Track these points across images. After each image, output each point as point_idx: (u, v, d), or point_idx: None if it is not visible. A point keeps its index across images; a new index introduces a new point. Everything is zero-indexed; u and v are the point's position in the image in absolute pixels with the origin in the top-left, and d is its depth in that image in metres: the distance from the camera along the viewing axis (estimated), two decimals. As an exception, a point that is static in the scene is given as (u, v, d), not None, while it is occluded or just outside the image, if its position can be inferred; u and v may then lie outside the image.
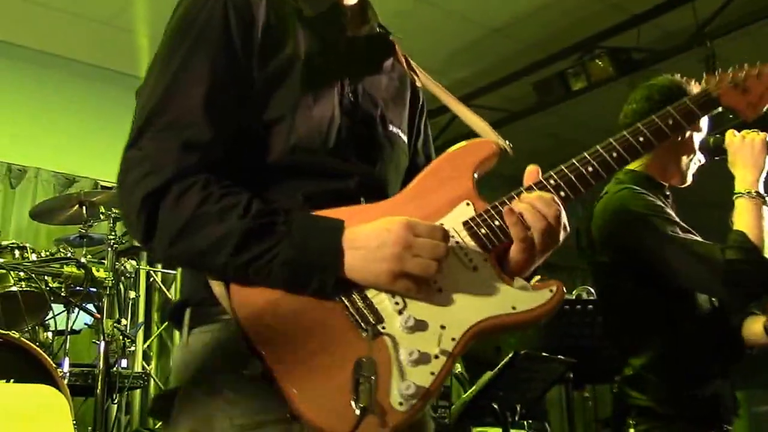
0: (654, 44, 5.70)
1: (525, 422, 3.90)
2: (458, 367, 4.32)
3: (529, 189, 1.31)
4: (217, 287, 1.21)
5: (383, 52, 1.54)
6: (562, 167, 1.34)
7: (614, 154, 1.37)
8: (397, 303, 1.20)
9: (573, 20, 5.71)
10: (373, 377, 1.10)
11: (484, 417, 3.38)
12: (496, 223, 1.27)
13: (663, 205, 2.28)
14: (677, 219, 2.24)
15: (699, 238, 2.19)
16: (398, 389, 1.14)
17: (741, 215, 2.14)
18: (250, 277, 1.18)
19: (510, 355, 3.05)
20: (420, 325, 1.19)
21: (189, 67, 1.27)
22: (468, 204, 1.30)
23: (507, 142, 1.39)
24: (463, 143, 1.37)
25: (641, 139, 1.40)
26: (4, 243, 3.80)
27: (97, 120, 5.92)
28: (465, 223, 1.28)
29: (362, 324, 1.18)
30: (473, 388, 3.25)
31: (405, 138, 1.50)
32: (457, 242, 1.27)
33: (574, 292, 3.37)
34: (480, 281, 1.25)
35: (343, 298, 1.19)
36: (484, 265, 1.26)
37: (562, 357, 3.18)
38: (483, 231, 1.27)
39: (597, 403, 6.31)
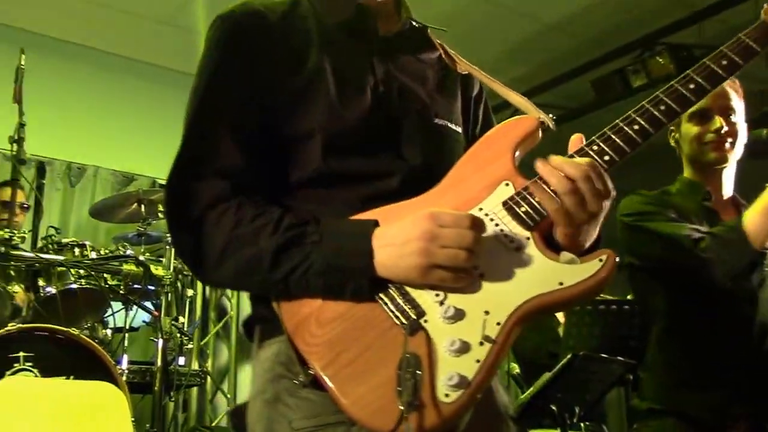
0: (716, 40, 5.46)
1: (583, 424, 3.83)
2: (515, 368, 4.25)
3: (571, 158, 1.23)
4: (273, 302, 1.23)
5: (421, 46, 1.50)
6: (606, 130, 1.26)
7: (662, 107, 1.28)
8: (437, 294, 1.17)
9: (632, 16, 5.59)
10: (417, 372, 1.09)
11: (542, 419, 3.31)
12: (536, 198, 1.21)
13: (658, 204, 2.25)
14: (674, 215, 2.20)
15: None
16: (442, 381, 1.11)
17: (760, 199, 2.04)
18: (291, 291, 1.20)
19: (569, 357, 2.98)
20: (461, 314, 1.15)
21: (211, 101, 1.32)
22: (507, 184, 1.25)
23: (550, 116, 1.34)
24: (500, 125, 1.34)
25: (692, 86, 1.29)
26: (65, 241, 3.86)
27: (155, 119, 5.98)
28: (504, 204, 1.23)
29: (402, 320, 1.16)
30: (530, 389, 3.20)
31: (457, 128, 1.45)
32: (497, 224, 1.22)
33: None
34: (523, 261, 1.19)
35: (382, 296, 1.18)
36: (526, 244, 1.20)
37: (621, 359, 3.12)
38: (523, 209, 1.22)
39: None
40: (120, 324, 4.17)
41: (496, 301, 1.16)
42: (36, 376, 2.94)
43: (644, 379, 2.31)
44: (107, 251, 3.82)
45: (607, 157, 1.23)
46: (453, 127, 1.44)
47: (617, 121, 1.27)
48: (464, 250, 1.14)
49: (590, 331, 3.34)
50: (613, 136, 1.25)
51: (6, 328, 3.02)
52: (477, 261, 1.16)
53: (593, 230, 1.24)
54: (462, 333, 1.14)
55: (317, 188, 1.30)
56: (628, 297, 3.26)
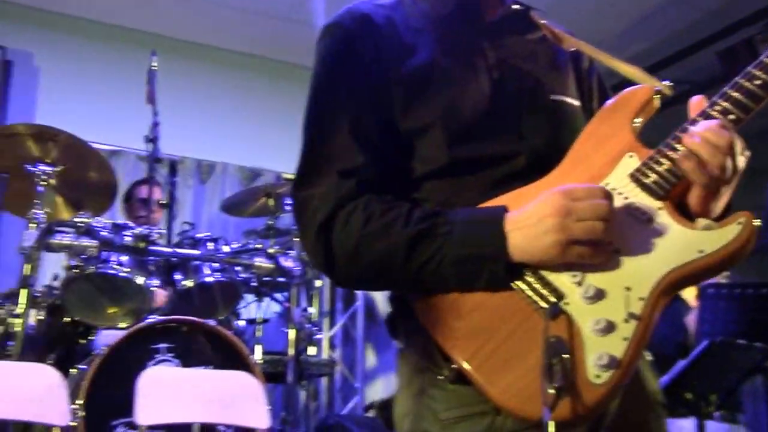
0: None
1: (719, 413, 3.68)
2: (647, 356, 4.10)
3: (693, 122, 1.19)
4: (410, 299, 1.25)
5: (526, 26, 1.48)
6: (726, 89, 1.21)
7: None
8: (574, 275, 1.15)
9: (759, -19, 5.27)
10: (565, 356, 1.08)
11: (677, 407, 3.20)
12: (664, 167, 1.18)
13: None
14: None
15: None
16: (592, 362, 1.09)
17: None
18: (427, 284, 1.20)
19: (705, 343, 2.93)
20: (602, 293, 1.13)
21: (328, 107, 1.34)
22: (631, 156, 1.22)
23: (666, 82, 1.28)
24: (614, 97, 1.31)
25: None
26: (198, 236, 3.98)
27: (279, 114, 6.09)
28: (631, 176, 1.20)
29: (542, 304, 1.15)
30: (665, 376, 3.09)
31: (574, 101, 1.43)
32: (626, 197, 1.19)
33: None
34: (657, 232, 1.16)
35: (518, 283, 1.17)
36: (659, 215, 1.17)
37: (760, 344, 2.97)
38: (651, 179, 1.19)
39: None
40: (253, 315, 4.28)
41: (637, 276, 1.13)
42: (177, 365, 3.05)
43: None
44: (239, 245, 3.91)
45: (732, 116, 1.18)
46: (570, 101, 1.43)
47: (736, 78, 1.21)
48: (600, 221, 1.12)
49: (726, 317, 3.27)
50: (735, 94, 1.20)
51: (147, 321, 3.14)
52: (611, 235, 1.13)
53: (726, 194, 1.19)
54: (605, 312, 1.12)
55: (444, 178, 1.30)
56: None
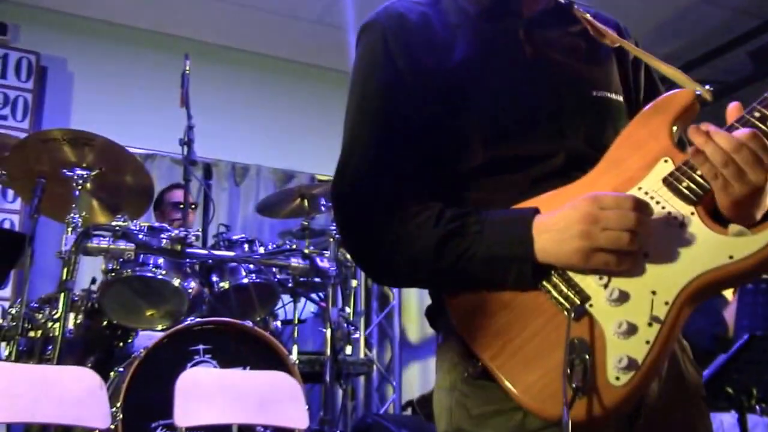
0: None
1: (761, 406, 3.64)
2: (688, 349, 4.05)
3: (731, 128, 1.17)
4: (444, 296, 1.27)
5: (567, 20, 1.46)
6: (766, 95, 1.19)
7: None
8: (600, 278, 1.15)
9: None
10: (586, 356, 1.09)
11: (718, 401, 3.16)
12: (698, 172, 1.17)
13: None
14: None
15: None
16: (612, 364, 1.09)
17: None
18: (456, 282, 1.23)
19: (746, 337, 2.92)
20: (627, 296, 1.13)
21: (367, 106, 1.35)
22: (666, 161, 1.22)
23: (707, 87, 1.27)
24: (654, 101, 1.29)
25: None
26: (235, 237, 3.99)
27: (310, 116, 6.11)
28: (664, 180, 1.20)
29: (567, 305, 1.15)
30: (705, 371, 3.06)
31: (618, 97, 1.42)
32: (658, 202, 1.19)
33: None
34: (688, 237, 1.15)
35: (545, 284, 1.18)
36: (691, 220, 1.16)
37: (802, 331, 2.94)
38: (684, 184, 1.18)
39: None
40: (289, 316, 4.28)
41: (663, 281, 1.13)
42: (215, 367, 3.05)
43: None
44: (274, 246, 3.91)
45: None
46: (613, 96, 1.41)
47: None
48: (627, 231, 1.12)
49: (766, 311, 3.26)
50: None
51: (185, 323, 3.15)
52: (641, 243, 1.13)
53: (762, 200, 1.16)
54: (629, 315, 1.12)
55: (483, 176, 1.31)
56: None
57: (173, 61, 4.36)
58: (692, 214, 1.17)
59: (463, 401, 1.23)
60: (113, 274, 3.34)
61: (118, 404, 2.79)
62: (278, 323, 4.18)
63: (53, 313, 3.04)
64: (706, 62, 6.05)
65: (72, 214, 3.26)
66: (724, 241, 1.13)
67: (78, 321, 3.35)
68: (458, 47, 1.36)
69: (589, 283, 1.16)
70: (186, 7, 5.57)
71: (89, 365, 3.39)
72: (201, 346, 3.05)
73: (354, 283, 4.85)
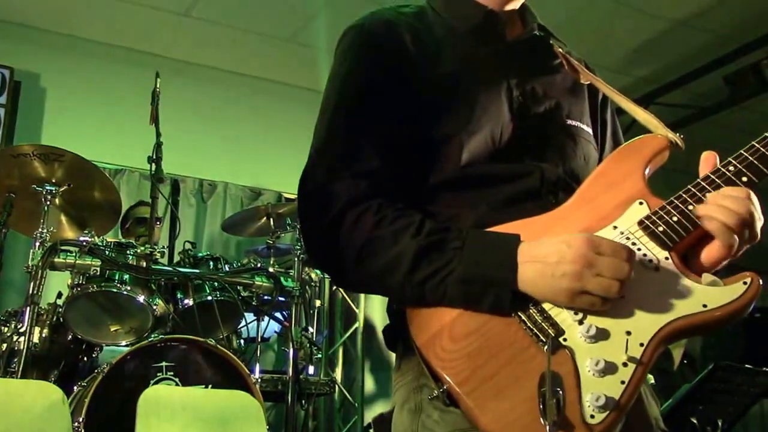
0: None
1: None
2: (650, 379, 4.12)
3: (707, 179, 1.22)
4: (407, 312, 1.23)
5: (548, 52, 1.51)
6: (742, 151, 1.23)
7: None
8: (576, 314, 1.16)
9: (766, 6, 5.30)
10: (560, 391, 1.08)
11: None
12: (674, 219, 1.20)
13: None
14: None
15: None
16: (588, 401, 1.09)
17: None
18: (427, 297, 1.19)
19: (710, 367, 2.90)
20: (603, 334, 1.14)
21: (347, 104, 1.34)
22: (641, 203, 1.24)
23: (678, 135, 1.31)
24: (629, 142, 1.32)
25: None
26: (200, 255, 4.03)
27: (279, 134, 6.15)
28: (640, 222, 1.22)
29: (542, 337, 1.15)
30: (669, 401, 3.09)
31: (588, 129, 1.46)
32: (633, 243, 1.20)
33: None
34: (663, 281, 1.18)
35: (519, 314, 1.17)
36: (665, 264, 1.19)
37: (767, 369, 2.97)
38: (661, 228, 1.20)
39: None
40: (253, 334, 4.31)
41: (639, 322, 1.15)
42: (177, 384, 3.08)
43: None
44: (239, 264, 3.95)
45: (745, 179, 1.22)
46: (584, 127, 1.45)
47: (753, 142, 1.25)
48: (618, 281, 1.12)
49: (733, 342, 3.26)
50: (750, 157, 1.23)
51: (149, 339, 3.18)
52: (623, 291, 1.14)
53: (738, 254, 1.22)
54: (605, 353, 1.13)
55: (457, 191, 1.31)
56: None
57: (144, 78, 4.40)
58: (666, 258, 1.19)
59: (430, 425, 1.21)
60: (79, 289, 3.36)
61: (81, 419, 2.81)
62: (242, 341, 4.21)
63: (19, 326, 3.05)
64: (681, 85, 6.09)
65: (40, 229, 3.29)
66: (699, 289, 1.16)
67: (43, 335, 3.36)
68: (442, 60, 1.37)
69: (564, 317, 1.16)
70: (158, 24, 5.60)
71: (53, 379, 3.40)
72: (164, 363, 3.08)
73: (318, 302, 4.89)
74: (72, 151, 3.50)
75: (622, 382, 1.10)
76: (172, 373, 3.09)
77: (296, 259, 4.08)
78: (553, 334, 1.15)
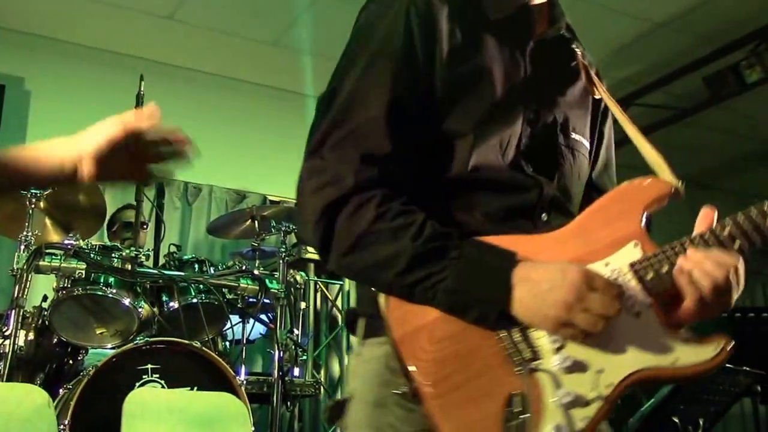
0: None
1: None
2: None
3: (701, 237, 1.20)
4: (382, 300, 1.22)
5: (569, 55, 1.48)
6: (741, 215, 1.19)
7: None
8: (555, 341, 1.17)
9: (747, 8, 5.32)
10: (525, 415, 1.10)
11: None
12: (665, 269, 1.19)
13: None
14: None
15: None
16: (548, 429, 1.11)
17: None
18: (415, 297, 1.19)
19: None
20: (577, 367, 1.16)
21: (370, 78, 1.27)
22: (636, 245, 1.23)
23: (681, 183, 1.28)
24: (634, 181, 1.29)
25: None
26: (185, 257, 4.03)
27: (264, 137, 6.16)
28: (632, 265, 1.21)
29: (516, 358, 1.16)
30: (651, 401, 3.12)
31: (587, 143, 1.45)
32: (620, 284, 1.20)
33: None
34: (642, 328, 1.19)
35: (501, 330, 1.18)
36: (647, 312, 1.19)
37: (748, 368, 3.00)
38: (650, 276, 1.20)
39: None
40: (238, 337, 4.32)
41: (611, 362, 1.16)
42: (162, 387, 3.08)
43: None
44: (225, 267, 3.96)
45: (737, 244, 1.19)
46: (584, 142, 1.44)
47: (753, 207, 1.20)
48: (604, 318, 1.13)
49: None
50: (746, 225, 1.19)
51: (134, 342, 3.19)
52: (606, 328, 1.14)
53: (713, 316, 1.22)
54: (574, 386, 1.15)
55: (458, 191, 1.29)
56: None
57: (129, 81, 4.40)
58: (649, 306, 1.19)
59: (394, 423, 1.21)
60: (64, 292, 3.36)
61: (66, 422, 2.81)
62: (227, 344, 4.22)
63: (4, 330, 3.06)
64: (661, 87, 6.12)
65: (25, 232, 3.29)
66: (673, 344, 1.18)
67: (29, 338, 3.37)
68: (472, 52, 1.33)
69: (543, 343, 1.17)
70: (142, 27, 5.60)
71: (39, 382, 3.40)
72: (149, 366, 3.08)
73: (303, 305, 4.91)
74: (57, 154, 3.49)
75: (586, 417, 1.13)
76: (157, 376, 3.10)
77: (281, 261, 4.09)
78: (528, 357, 1.16)
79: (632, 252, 1.22)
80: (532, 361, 1.16)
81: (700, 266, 1.16)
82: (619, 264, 1.22)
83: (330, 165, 1.23)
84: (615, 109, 1.46)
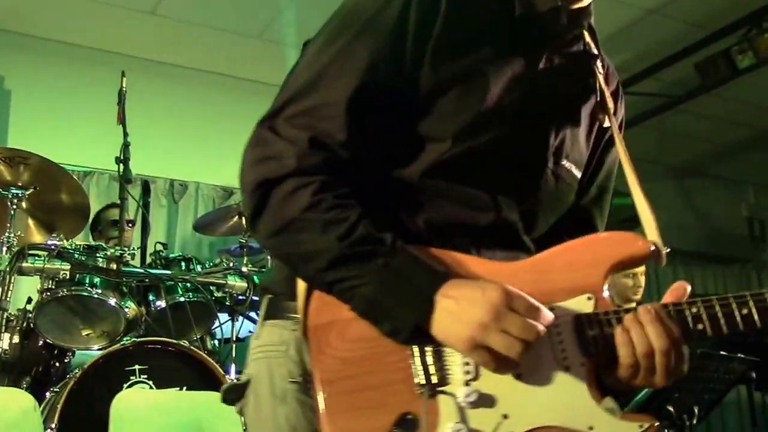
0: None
1: (702, 425, 3.70)
2: None
3: (665, 307, 1.12)
4: (301, 284, 1.18)
5: (588, 73, 1.36)
6: (714, 299, 1.10)
7: None
8: (468, 372, 1.11)
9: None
10: None
11: (659, 420, 3.21)
12: (609, 331, 1.11)
13: None
14: None
15: None
16: None
17: None
18: (332, 292, 1.15)
19: None
20: (482, 403, 1.10)
21: (344, 61, 1.19)
22: (589, 298, 1.14)
23: (666, 249, 1.19)
24: (613, 233, 1.21)
25: None
26: (172, 256, 3.99)
27: (250, 133, 6.11)
28: (577, 317, 1.13)
29: (422, 380, 1.11)
30: (646, 389, 3.11)
31: (578, 173, 1.36)
32: (560, 333, 1.13)
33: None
34: (567, 383, 1.11)
35: (415, 346, 1.13)
36: (578, 369, 1.12)
37: (743, 356, 3.00)
38: (592, 333, 1.12)
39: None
40: (227, 335, 4.28)
41: (520, 409, 1.10)
42: (151, 387, 3.04)
43: None
44: (212, 264, 3.92)
45: (700, 326, 1.10)
46: (575, 172, 1.35)
47: (730, 295, 1.11)
48: (522, 342, 1.06)
49: None
50: (716, 309, 1.10)
51: (122, 343, 3.14)
52: (526, 358, 1.07)
53: (648, 387, 1.16)
54: (476, 422, 1.09)
55: (410, 194, 1.22)
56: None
57: (110, 78, 4.34)
58: (582, 365, 1.12)
59: (293, 419, 1.19)
60: (49, 293, 3.31)
61: (53, 425, 2.77)
62: (216, 342, 4.18)
63: (-12, 333, 3.01)
64: (652, 74, 6.08)
65: (7, 234, 3.25)
66: (594, 410, 1.10)
67: (13, 341, 3.31)
68: (473, 48, 1.23)
69: (456, 370, 1.11)
70: (123, 23, 5.54)
71: (25, 386, 3.36)
72: (137, 366, 3.04)
73: (292, 301, 4.87)
74: (39, 153, 3.45)
75: None
76: (145, 376, 3.06)
77: (269, 258, 4.05)
78: (436, 381, 1.10)
79: (584, 304, 1.14)
80: (439, 386, 1.10)
81: (641, 329, 1.09)
82: (564, 312, 1.14)
83: (277, 139, 1.18)
84: (619, 147, 1.36)
